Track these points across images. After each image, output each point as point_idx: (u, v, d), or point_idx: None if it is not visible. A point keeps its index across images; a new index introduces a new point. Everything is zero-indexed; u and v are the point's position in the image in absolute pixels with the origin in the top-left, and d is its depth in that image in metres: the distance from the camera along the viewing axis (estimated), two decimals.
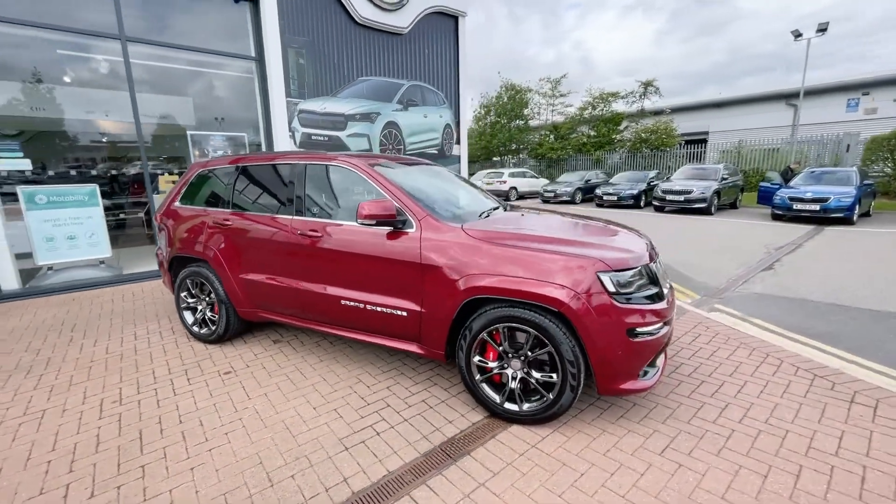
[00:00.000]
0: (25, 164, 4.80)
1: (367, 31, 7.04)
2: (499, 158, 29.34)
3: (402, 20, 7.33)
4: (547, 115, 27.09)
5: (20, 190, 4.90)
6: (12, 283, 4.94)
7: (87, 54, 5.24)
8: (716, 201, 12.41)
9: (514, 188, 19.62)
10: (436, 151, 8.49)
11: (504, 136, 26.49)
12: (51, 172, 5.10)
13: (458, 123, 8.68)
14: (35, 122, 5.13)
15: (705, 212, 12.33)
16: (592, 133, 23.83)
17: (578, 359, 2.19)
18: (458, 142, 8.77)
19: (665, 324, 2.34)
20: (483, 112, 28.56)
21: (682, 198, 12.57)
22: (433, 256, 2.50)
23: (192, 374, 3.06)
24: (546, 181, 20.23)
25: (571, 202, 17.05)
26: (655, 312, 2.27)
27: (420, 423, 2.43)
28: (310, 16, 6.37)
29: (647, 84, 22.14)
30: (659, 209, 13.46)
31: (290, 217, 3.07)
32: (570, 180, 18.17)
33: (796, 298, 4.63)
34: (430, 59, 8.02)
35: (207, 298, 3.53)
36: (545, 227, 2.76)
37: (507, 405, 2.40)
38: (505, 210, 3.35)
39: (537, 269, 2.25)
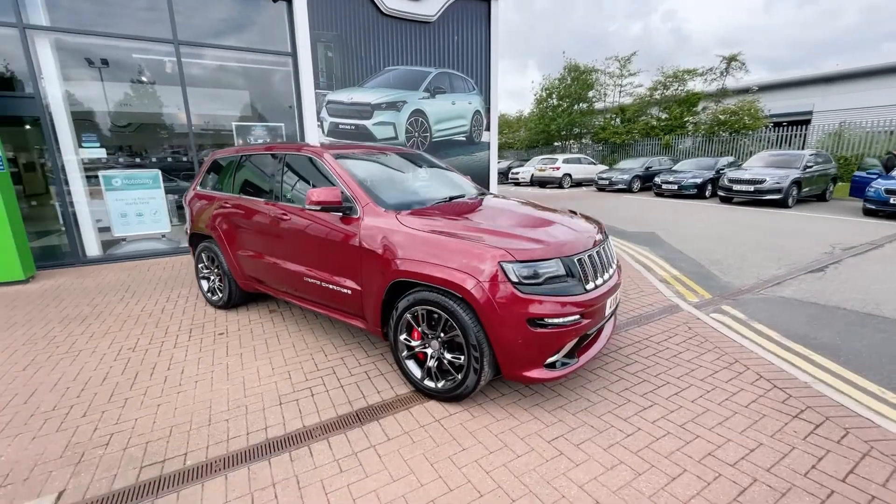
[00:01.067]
0: (101, 153, 5.84)
1: (394, 20, 7.26)
2: (560, 144, 28.20)
3: (429, 8, 7.43)
4: (614, 97, 25.37)
5: (101, 174, 5.97)
6: (95, 250, 6.08)
7: (151, 57, 6.13)
8: (794, 192, 10.90)
9: (568, 175, 18.85)
10: (464, 138, 8.55)
11: (564, 120, 25.34)
12: (121, 159, 6.12)
13: (488, 110, 8.63)
14: (111, 116, 6.17)
15: (780, 204, 10.91)
16: (664, 115, 21.87)
17: (482, 344, 2.28)
18: (487, 128, 8.73)
19: (584, 315, 2.33)
20: (545, 94, 27.52)
21: (751, 188, 11.23)
22: (369, 240, 2.72)
23: (195, 333, 3.64)
24: (605, 168, 19.12)
25: (628, 190, 16.00)
26: (566, 303, 2.27)
27: (352, 391, 2.70)
28: (337, 10, 6.75)
29: (730, 59, 19.69)
30: (725, 200, 12.17)
31: (269, 201, 3.47)
32: (629, 167, 17.01)
33: (828, 305, 4.10)
34: (460, 45, 8.04)
35: (216, 270, 4.12)
36: (483, 217, 2.83)
37: (427, 382, 2.58)
38: (479, 197, 3.45)
39: (449, 257, 2.37)
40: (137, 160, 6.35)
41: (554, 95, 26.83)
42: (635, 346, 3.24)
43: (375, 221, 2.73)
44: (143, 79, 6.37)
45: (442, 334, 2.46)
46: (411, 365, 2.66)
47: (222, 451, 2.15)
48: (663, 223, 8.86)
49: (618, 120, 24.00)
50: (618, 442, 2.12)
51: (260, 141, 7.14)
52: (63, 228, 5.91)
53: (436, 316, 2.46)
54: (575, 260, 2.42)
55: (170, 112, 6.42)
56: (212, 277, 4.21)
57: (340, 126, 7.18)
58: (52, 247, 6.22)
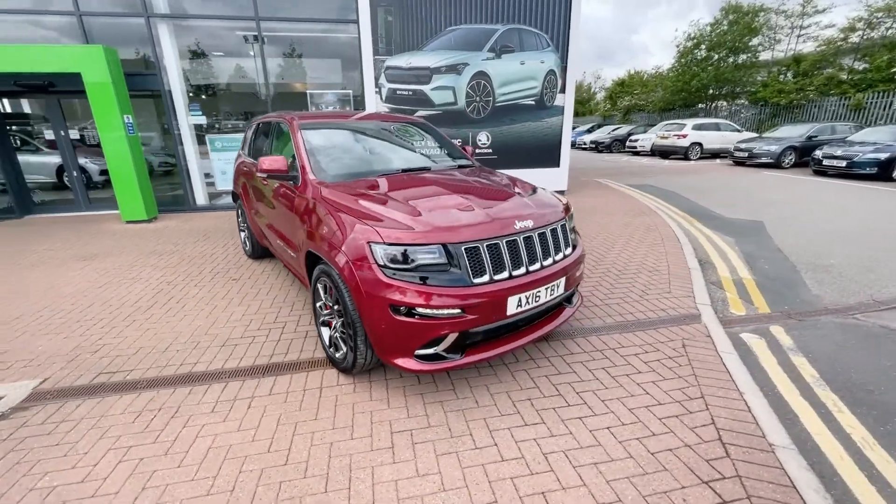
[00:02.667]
0: (203, 120, 7.09)
1: None
2: (704, 106, 23.59)
3: None
4: (789, 43, 19.82)
5: (207, 137, 7.29)
6: (202, 199, 7.56)
7: (240, 31, 7.05)
8: None
9: (698, 144, 15.81)
10: (532, 102, 7.83)
11: (709, 75, 20.93)
12: (216, 126, 7.36)
13: (564, 69, 7.67)
14: (209, 88, 7.39)
15: None
16: (861, 66, 16.35)
17: (355, 323, 2.26)
18: (563, 90, 7.80)
19: (467, 310, 2.09)
20: (690, 45, 23.01)
21: None
22: (301, 209, 2.84)
23: (217, 276, 4.35)
24: (750, 136, 15.43)
25: (775, 165, 12.73)
26: (438, 294, 2.07)
27: (282, 346, 2.95)
28: None
29: None
30: None
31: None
32: (784, 135, 13.44)
33: None
34: None
35: (244, 226, 4.78)
36: (407, 193, 2.66)
37: (330, 349, 2.67)
38: (440, 171, 3.26)
39: (333, 233, 2.35)
40: (229, 125, 7.54)
41: (703, 46, 22.24)
42: (591, 354, 2.77)
43: (307, 191, 2.82)
44: (232, 53, 7.39)
45: (335, 307, 2.49)
46: (324, 331, 2.77)
47: (153, 375, 2.63)
48: (786, 211, 6.93)
49: (788, 74, 18.82)
50: (458, 451, 1.93)
51: (330, 108, 7.73)
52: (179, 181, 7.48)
53: (331, 289, 2.50)
54: (463, 249, 2.15)
55: (252, 82, 7.37)
56: (244, 232, 4.91)
57: (398, 92, 7.28)
58: (174, 195, 7.92)
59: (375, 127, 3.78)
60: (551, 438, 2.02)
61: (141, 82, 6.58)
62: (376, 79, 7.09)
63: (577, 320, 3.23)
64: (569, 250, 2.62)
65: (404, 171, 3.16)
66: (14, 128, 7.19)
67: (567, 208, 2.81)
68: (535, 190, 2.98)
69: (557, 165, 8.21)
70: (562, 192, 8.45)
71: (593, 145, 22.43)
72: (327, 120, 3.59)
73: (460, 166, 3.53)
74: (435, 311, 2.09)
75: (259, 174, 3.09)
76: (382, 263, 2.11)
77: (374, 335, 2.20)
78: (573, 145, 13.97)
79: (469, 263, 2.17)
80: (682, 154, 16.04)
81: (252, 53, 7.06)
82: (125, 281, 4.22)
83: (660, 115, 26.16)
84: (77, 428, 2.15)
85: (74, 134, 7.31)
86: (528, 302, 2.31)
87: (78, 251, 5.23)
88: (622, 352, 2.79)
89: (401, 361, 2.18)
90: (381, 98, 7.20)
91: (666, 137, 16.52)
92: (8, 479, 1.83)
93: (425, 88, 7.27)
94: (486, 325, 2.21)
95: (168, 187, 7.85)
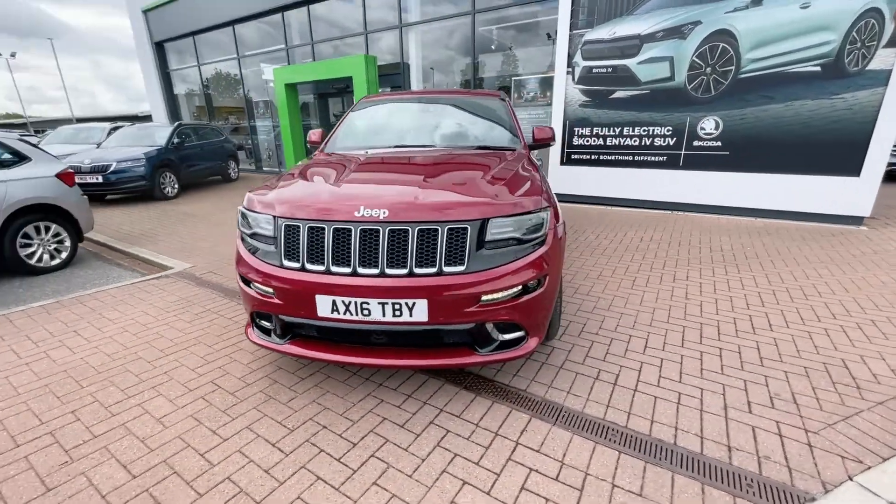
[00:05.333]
0: None
1: None
2: None
3: None
4: None
5: None
6: None
7: (458, 25, 7.75)
8: None
9: None
10: (817, 67, 4.76)
11: None
12: None
13: None
14: (436, 82, 8.53)
15: None
16: None
17: None
18: (892, 43, 4.33)
19: (277, 294, 1.89)
20: None
21: None
22: None
23: None
24: None
25: None
26: (250, 268, 1.95)
27: None
28: None
29: None
30: None
31: None
32: None
33: None
34: None
35: None
36: (358, 167, 2.42)
37: None
38: (430, 150, 2.79)
39: None
40: None
41: None
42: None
43: None
44: (452, 48, 8.16)
45: None
46: None
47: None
48: None
49: None
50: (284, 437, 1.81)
51: (531, 94, 7.45)
52: None
53: None
54: (283, 225, 1.89)
55: (466, 74, 7.98)
56: None
57: (594, 70, 6.10)
58: None
59: (424, 103, 3.53)
60: None
61: (389, 80, 8.46)
62: (570, 56, 6.23)
63: None
64: (456, 267, 1.77)
65: (396, 146, 2.89)
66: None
67: (503, 208, 1.86)
68: (510, 181, 2.11)
69: (856, 174, 4.83)
70: (859, 221, 4.98)
71: None
72: (377, 98, 3.65)
73: (480, 147, 2.85)
74: (253, 285, 1.98)
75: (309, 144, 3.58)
76: (240, 227, 2.16)
77: None
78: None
79: (285, 243, 1.89)
80: None
81: (467, 46, 7.68)
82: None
83: None
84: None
85: None
86: (349, 310, 1.78)
87: None
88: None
89: (248, 330, 2.19)
90: (574, 79, 6.29)
91: None
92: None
93: (630, 63, 5.80)
94: (295, 316, 1.89)
95: None
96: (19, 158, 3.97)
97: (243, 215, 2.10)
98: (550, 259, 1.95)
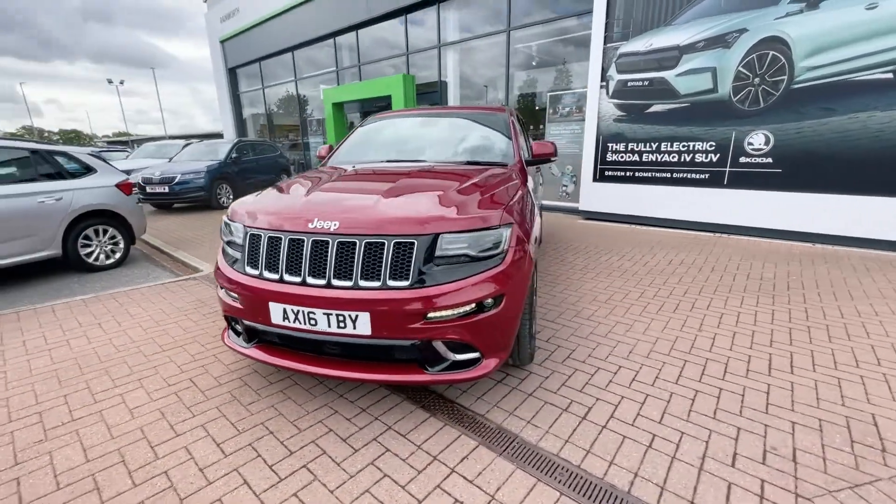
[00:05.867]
0: None
1: None
2: None
3: None
4: None
5: None
6: None
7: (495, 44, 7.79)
8: None
9: None
10: (889, 75, 4.14)
11: None
12: None
13: None
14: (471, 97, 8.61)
15: None
16: None
17: None
18: None
19: (240, 299, 1.99)
20: None
21: None
22: None
23: None
24: None
25: None
26: (218, 271, 2.07)
27: None
28: None
29: None
30: None
31: None
32: None
33: None
34: None
35: None
36: (339, 180, 2.53)
37: None
38: (409, 166, 2.81)
39: None
40: None
41: None
42: None
43: None
44: (487, 64, 8.19)
45: None
46: None
47: None
48: None
49: None
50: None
51: (567, 109, 7.27)
52: None
53: None
54: (248, 234, 1.99)
55: (498, 90, 7.96)
56: None
57: (629, 84, 5.81)
58: None
59: (426, 119, 3.56)
60: None
61: (427, 98, 8.69)
62: (604, 70, 6.00)
63: None
64: (400, 282, 1.74)
65: (388, 161, 2.95)
66: None
67: (455, 223, 1.81)
68: (479, 192, 2.09)
69: None
70: None
71: None
72: (384, 115, 3.74)
73: (469, 162, 2.82)
74: (224, 290, 2.09)
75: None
76: (222, 236, 2.30)
77: None
78: None
79: (248, 251, 1.99)
80: None
81: (502, 63, 7.70)
82: None
83: None
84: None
85: None
86: (297, 319, 1.82)
87: None
88: None
89: (224, 333, 2.31)
90: (608, 93, 6.04)
91: None
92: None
93: (668, 75, 5.46)
94: (253, 321, 1.97)
95: None
96: (87, 170, 4.58)
97: (226, 224, 2.24)
98: (508, 278, 1.86)
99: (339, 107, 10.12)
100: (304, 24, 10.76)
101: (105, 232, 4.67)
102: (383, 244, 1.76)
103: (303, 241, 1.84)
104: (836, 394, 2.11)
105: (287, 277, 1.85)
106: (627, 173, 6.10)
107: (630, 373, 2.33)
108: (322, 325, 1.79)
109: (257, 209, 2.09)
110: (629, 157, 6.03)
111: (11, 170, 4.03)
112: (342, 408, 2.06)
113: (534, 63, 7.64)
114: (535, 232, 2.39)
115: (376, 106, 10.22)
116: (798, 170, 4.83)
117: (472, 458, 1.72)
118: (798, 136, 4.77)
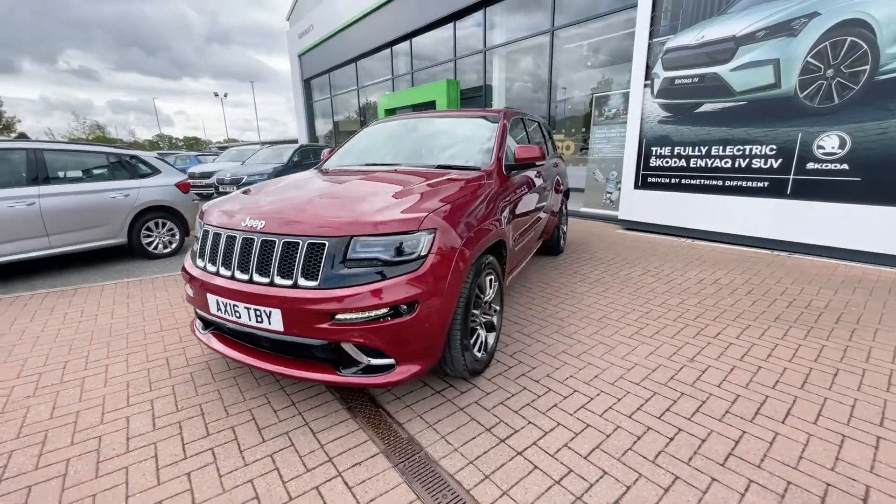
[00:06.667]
0: None
1: None
2: None
3: None
4: None
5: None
6: None
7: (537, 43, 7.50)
8: None
9: None
10: None
11: None
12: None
13: None
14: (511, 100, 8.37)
15: None
16: None
17: None
18: None
19: (194, 290, 2.19)
20: None
21: None
22: None
23: None
24: None
25: None
26: (184, 267, 2.28)
27: None
28: None
29: None
30: None
31: None
32: None
33: None
34: None
35: None
36: (321, 180, 2.66)
37: None
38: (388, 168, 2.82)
39: None
40: None
41: None
42: None
43: None
44: (529, 69, 7.90)
45: None
46: None
47: None
48: None
49: None
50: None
51: (613, 111, 6.78)
52: None
53: None
54: (202, 229, 2.17)
55: (543, 93, 7.64)
56: None
57: (676, 81, 5.23)
58: None
59: (418, 124, 3.54)
60: None
61: (471, 102, 8.66)
62: (649, 68, 5.48)
63: None
64: (310, 282, 1.77)
65: (369, 164, 3.01)
66: None
67: (369, 227, 1.80)
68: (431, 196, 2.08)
69: None
70: None
71: None
72: (383, 119, 3.79)
73: (440, 166, 2.78)
74: (184, 280, 2.31)
75: None
76: (194, 233, 2.53)
77: None
78: None
79: (200, 245, 2.16)
80: None
81: (545, 65, 7.40)
82: None
83: None
84: None
85: None
86: (226, 311, 1.95)
87: None
88: None
89: (193, 320, 2.53)
90: (653, 92, 5.51)
91: None
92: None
93: (721, 70, 4.82)
94: (201, 310, 2.14)
95: None
96: (153, 171, 5.32)
97: (197, 220, 2.47)
98: (425, 285, 1.80)
99: (391, 112, 10.54)
100: (366, 36, 11.39)
101: (164, 224, 5.38)
102: (298, 244, 1.82)
103: (235, 237, 1.96)
104: (829, 455, 1.70)
105: (221, 271, 1.99)
106: (673, 180, 5.51)
107: (582, 399, 2.11)
108: (244, 318, 1.89)
109: (216, 207, 2.27)
110: (675, 162, 5.44)
111: (92, 170, 4.83)
112: (275, 399, 2.15)
113: (587, 63, 7.26)
114: (522, 236, 2.30)
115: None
116: (881, 179, 3.97)
117: (365, 466, 1.69)
118: (882, 139, 3.93)
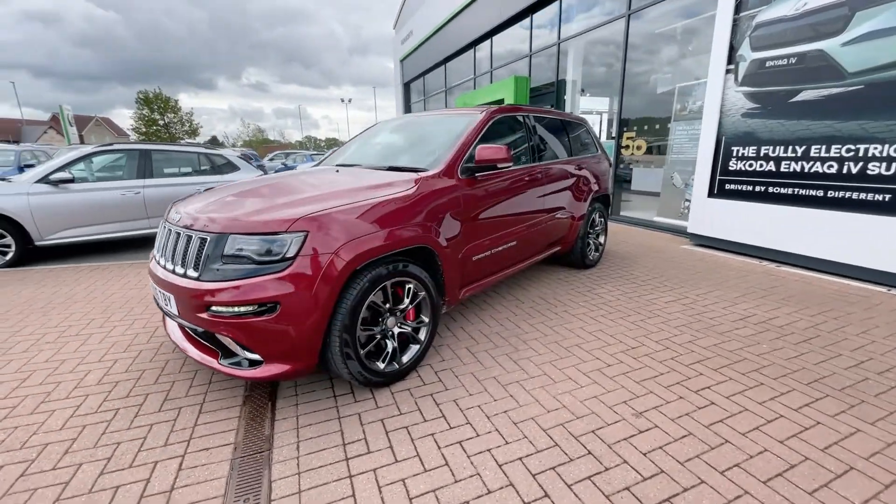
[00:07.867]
0: None
1: None
2: None
3: None
4: None
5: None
6: None
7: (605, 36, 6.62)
8: None
9: None
10: None
11: None
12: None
13: None
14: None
15: None
16: None
17: None
18: None
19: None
20: None
21: None
22: None
23: None
24: None
25: None
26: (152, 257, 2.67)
27: None
28: None
29: None
30: None
31: None
32: None
33: None
34: None
35: None
36: (311, 176, 2.83)
37: None
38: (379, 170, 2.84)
39: None
40: None
41: None
42: None
43: None
44: (599, 64, 6.95)
45: None
46: None
47: None
48: None
49: None
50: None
51: (699, 103, 5.70)
52: None
53: None
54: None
55: (616, 84, 6.73)
56: None
57: (769, 63, 4.09)
58: None
59: (403, 125, 3.45)
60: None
61: (542, 99, 8.12)
62: (733, 49, 4.42)
63: None
64: (192, 272, 1.93)
65: (340, 165, 3.08)
66: None
67: (242, 225, 1.88)
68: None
69: None
70: None
71: None
72: (382, 121, 3.77)
73: (390, 167, 2.70)
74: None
75: None
76: None
77: None
78: None
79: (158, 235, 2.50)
80: None
81: (620, 56, 6.53)
82: None
83: None
84: None
85: None
86: (157, 294, 2.24)
87: None
88: None
89: None
90: (736, 79, 4.43)
91: None
92: None
93: (828, 46, 3.64)
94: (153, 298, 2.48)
95: None
96: (234, 168, 6.28)
97: None
98: (288, 286, 1.81)
99: None
100: (452, 38, 11.59)
101: None
102: (191, 238, 1.99)
103: (169, 230, 2.23)
104: None
105: (157, 257, 2.28)
106: (757, 188, 4.41)
107: (466, 433, 1.87)
108: (162, 304, 2.15)
109: (185, 200, 2.59)
110: (761, 165, 4.34)
111: (186, 166, 5.92)
112: (201, 376, 2.38)
113: (655, 51, 6.25)
114: (495, 244, 2.24)
115: None
116: None
117: (210, 453, 1.77)
118: None
